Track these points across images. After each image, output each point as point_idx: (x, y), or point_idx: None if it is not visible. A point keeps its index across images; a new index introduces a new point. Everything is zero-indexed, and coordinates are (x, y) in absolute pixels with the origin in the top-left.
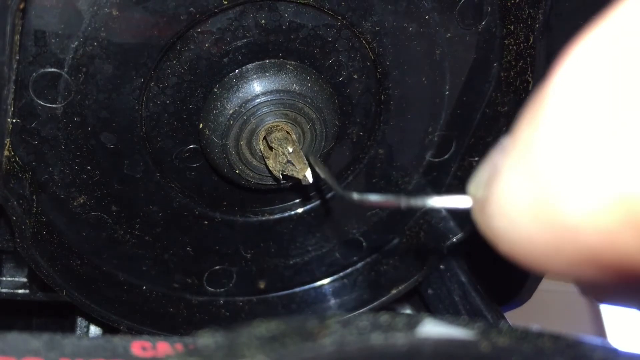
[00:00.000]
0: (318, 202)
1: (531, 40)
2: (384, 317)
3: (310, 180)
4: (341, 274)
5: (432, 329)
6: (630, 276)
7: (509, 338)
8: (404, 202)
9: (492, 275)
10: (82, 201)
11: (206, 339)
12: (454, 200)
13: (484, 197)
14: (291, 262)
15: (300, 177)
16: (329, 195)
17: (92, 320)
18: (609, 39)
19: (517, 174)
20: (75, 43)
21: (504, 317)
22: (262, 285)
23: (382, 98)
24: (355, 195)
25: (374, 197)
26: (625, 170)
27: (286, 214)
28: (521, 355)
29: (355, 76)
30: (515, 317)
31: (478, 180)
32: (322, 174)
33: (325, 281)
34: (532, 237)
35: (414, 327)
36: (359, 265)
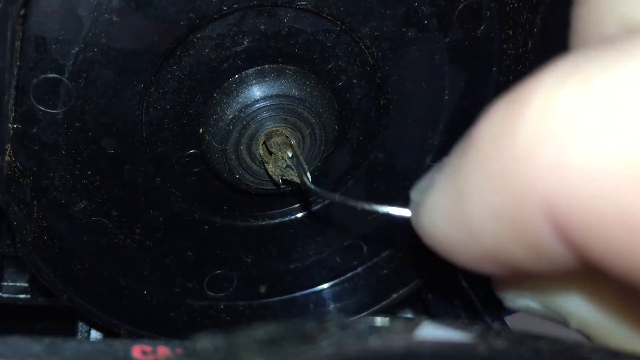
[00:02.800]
0: (318, 206)
1: (530, 45)
2: (383, 320)
3: (310, 184)
4: (342, 278)
5: (430, 331)
6: (519, 273)
7: (507, 341)
8: (359, 204)
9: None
10: (82, 206)
11: (204, 342)
12: (399, 211)
13: (419, 202)
14: (292, 266)
15: (299, 181)
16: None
17: (93, 324)
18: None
19: (444, 190)
20: (76, 49)
21: (504, 322)
22: (262, 289)
23: (382, 103)
24: (319, 190)
25: (336, 196)
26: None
27: (286, 219)
28: (519, 358)
29: (355, 81)
30: (517, 322)
31: (418, 188)
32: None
33: (326, 285)
34: (447, 236)
35: (412, 330)
36: (360, 269)
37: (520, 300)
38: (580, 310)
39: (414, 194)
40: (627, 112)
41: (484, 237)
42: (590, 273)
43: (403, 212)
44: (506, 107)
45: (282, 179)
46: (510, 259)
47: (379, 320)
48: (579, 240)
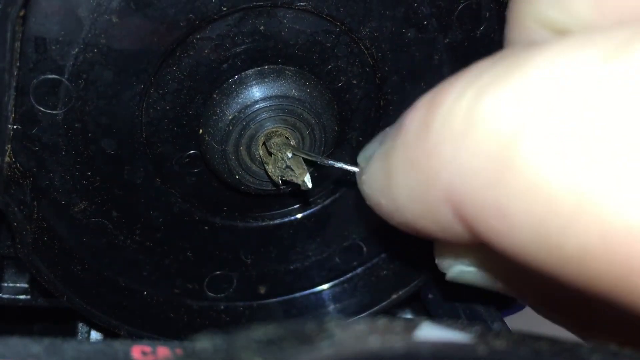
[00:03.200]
0: (318, 207)
1: None
2: (382, 321)
3: (310, 185)
4: (341, 278)
5: (430, 332)
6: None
7: (506, 341)
8: (314, 157)
9: None
10: (82, 207)
11: (204, 342)
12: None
13: (364, 169)
14: (291, 267)
15: (299, 182)
16: (329, 200)
17: (93, 325)
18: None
19: (378, 165)
20: (76, 50)
21: (503, 322)
22: (262, 290)
23: (382, 103)
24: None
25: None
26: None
27: (286, 219)
28: (518, 359)
29: (355, 82)
30: (517, 323)
31: (364, 154)
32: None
33: (326, 286)
34: (380, 203)
35: (412, 330)
36: (359, 270)
37: (452, 268)
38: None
39: (360, 159)
40: (494, 128)
41: (404, 210)
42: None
43: (353, 168)
44: (426, 105)
45: (281, 179)
46: (425, 230)
47: (379, 321)
48: (470, 221)
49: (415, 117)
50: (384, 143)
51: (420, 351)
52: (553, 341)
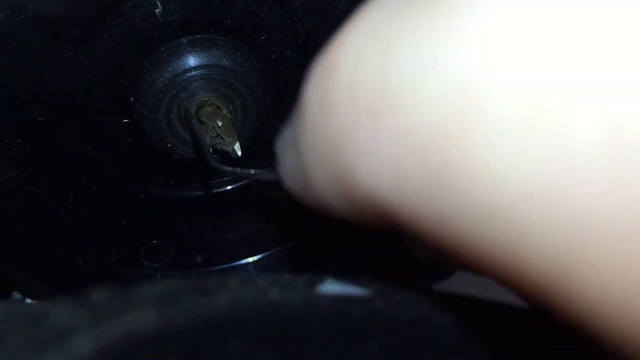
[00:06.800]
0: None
1: None
2: (285, 277)
3: (239, 153)
4: (278, 248)
5: (331, 287)
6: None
7: (404, 295)
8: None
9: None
10: (13, 174)
11: (100, 293)
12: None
13: (280, 158)
14: (228, 236)
15: (229, 150)
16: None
17: (27, 294)
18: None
19: (291, 154)
20: (2, 15)
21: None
22: (199, 259)
23: None
24: (215, 164)
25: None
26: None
27: (222, 189)
28: (416, 310)
29: (288, 53)
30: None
31: (282, 141)
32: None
33: (263, 256)
34: (303, 197)
35: (314, 285)
36: (297, 238)
37: None
38: None
39: (278, 146)
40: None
41: (331, 206)
42: None
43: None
44: (320, 76)
45: (212, 149)
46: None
47: (282, 277)
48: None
49: (312, 86)
50: (290, 130)
51: (319, 303)
52: (455, 295)
